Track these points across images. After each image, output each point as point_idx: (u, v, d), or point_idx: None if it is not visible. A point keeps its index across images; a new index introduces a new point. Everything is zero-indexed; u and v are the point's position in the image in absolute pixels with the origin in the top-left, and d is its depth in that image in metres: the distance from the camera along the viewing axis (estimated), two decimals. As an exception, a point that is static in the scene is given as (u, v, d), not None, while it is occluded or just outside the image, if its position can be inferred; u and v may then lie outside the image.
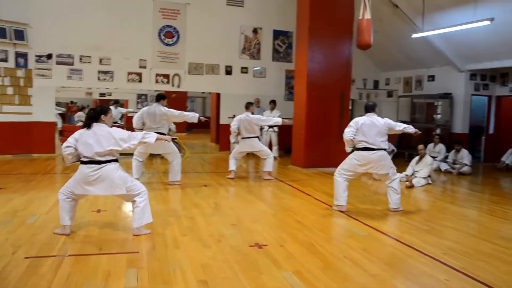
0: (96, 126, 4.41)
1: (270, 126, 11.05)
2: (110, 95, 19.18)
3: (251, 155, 10.08)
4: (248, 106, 8.19)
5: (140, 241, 4.39)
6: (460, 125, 11.20)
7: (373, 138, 5.69)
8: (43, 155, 10.32)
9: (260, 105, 11.80)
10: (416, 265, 3.98)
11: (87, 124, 4.43)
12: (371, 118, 5.79)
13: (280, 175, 8.86)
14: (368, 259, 4.06)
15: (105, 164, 4.35)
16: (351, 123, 5.85)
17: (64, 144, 4.42)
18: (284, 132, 11.54)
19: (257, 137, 8.21)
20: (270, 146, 11.30)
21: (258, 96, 11.85)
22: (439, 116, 12.04)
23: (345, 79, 9.46)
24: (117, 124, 12.47)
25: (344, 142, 5.92)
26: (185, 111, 18.35)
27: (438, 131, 11.62)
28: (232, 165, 8.18)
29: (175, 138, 7.06)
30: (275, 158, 11.14)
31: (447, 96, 11.23)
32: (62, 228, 4.49)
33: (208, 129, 21.32)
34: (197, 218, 5.31)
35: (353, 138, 5.74)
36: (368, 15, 7.53)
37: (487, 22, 7.97)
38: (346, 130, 5.83)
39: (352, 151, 5.94)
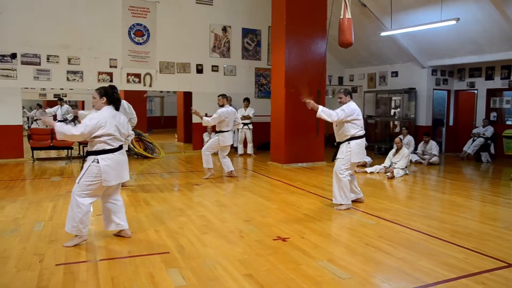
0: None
1: (245, 124, 11.16)
2: (65, 96, 18.38)
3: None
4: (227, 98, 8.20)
5: (164, 241, 4.37)
6: (424, 118, 11.91)
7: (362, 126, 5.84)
8: (11, 160, 9.78)
9: (231, 103, 11.86)
10: (432, 247, 4.28)
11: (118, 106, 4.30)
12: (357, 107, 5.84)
13: (265, 171, 9.00)
14: (388, 245, 4.31)
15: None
16: (346, 108, 5.65)
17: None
18: (257, 129, 11.72)
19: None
20: (245, 143, 11.45)
21: (229, 94, 11.86)
22: (398, 110, 12.68)
23: (320, 76, 9.75)
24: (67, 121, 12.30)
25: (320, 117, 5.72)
26: (145, 110, 18.15)
27: (397, 128, 12.39)
28: (211, 162, 7.94)
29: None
30: (250, 155, 11.34)
31: (411, 90, 11.88)
32: (77, 238, 4.21)
33: (168, 128, 21.19)
34: (207, 216, 5.34)
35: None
36: (349, 15, 7.83)
37: (453, 22, 8.51)
38: (340, 114, 5.61)
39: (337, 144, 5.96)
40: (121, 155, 4.25)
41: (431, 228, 4.93)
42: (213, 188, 7.25)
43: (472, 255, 4.06)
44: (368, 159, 9.61)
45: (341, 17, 7.86)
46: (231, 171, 8.11)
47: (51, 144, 10.05)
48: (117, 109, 4.28)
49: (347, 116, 5.65)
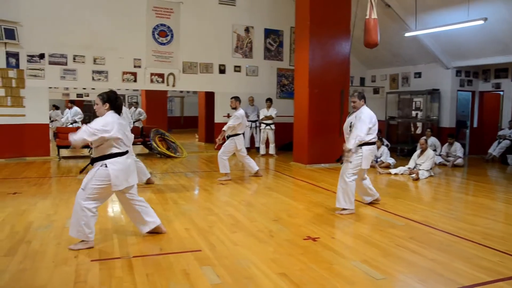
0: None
1: (267, 124, 11.19)
2: (87, 95, 18.68)
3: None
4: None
5: (195, 239, 4.41)
6: (448, 120, 11.75)
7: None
8: (38, 158, 9.99)
9: (254, 103, 11.92)
10: (464, 249, 4.23)
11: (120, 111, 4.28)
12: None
13: (288, 171, 9.01)
14: (420, 246, 4.27)
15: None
16: (364, 118, 5.47)
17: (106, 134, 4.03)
18: (278, 130, 11.71)
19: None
20: (267, 144, 11.47)
21: (251, 94, 11.96)
22: (419, 111, 12.51)
23: (344, 77, 9.72)
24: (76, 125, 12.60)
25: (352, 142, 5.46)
26: (166, 110, 18.38)
27: (419, 129, 12.26)
28: (228, 167, 7.87)
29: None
30: (272, 155, 11.35)
31: (435, 92, 11.74)
32: (84, 243, 4.10)
33: (187, 128, 21.36)
34: (236, 215, 5.37)
35: None
36: (374, 15, 7.79)
37: (481, 22, 8.40)
38: (365, 129, 5.46)
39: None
40: (129, 159, 4.25)
41: (461, 230, 4.87)
42: (239, 187, 7.29)
43: (507, 258, 3.99)
44: (392, 161, 9.54)
45: (367, 17, 7.83)
46: (257, 170, 8.12)
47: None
48: (118, 114, 4.25)
49: (369, 127, 5.49)
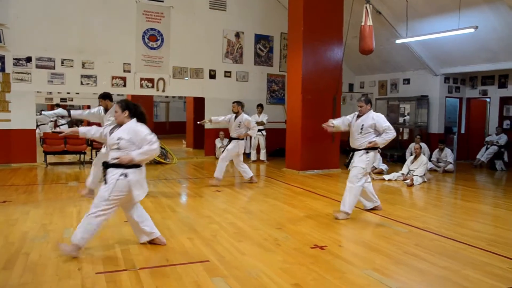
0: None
1: (259, 130, 11.11)
2: (71, 100, 18.31)
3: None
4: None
5: (200, 249, 4.29)
6: (436, 126, 11.89)
7: None
8: (24, 165, 9.68)
9: (244, 109, 11.81)
10: (471, 256, 4.23)
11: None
12: None
13: (282, 178, 8.95)
14: (428, 253, 4.25)
15: None
16: (384, 119, 5.61)
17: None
18: (268, 136, 11.65)
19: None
20: (258, 149, 11.40)
21: (242, 100, 11.82)
22: (407, 117, 12.62)
23: (336, 83, 9.73)
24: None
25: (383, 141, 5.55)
26: (152, 115, 18.16)
27: (405, 135, 12.39)
28: (222, 173, 7.81)
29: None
30: (263, 161, 11.29)
31: (423, 98, 11.88)
32: (76, 247, 3.96)
33: (173, 134, 21.13)
34: (237, 224, 5.27)
35: None
36: (370, 22, 7.85)
37: (472, 30, 8.52)
38: (390, 128, 5.54)
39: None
40: (144, 168, 4.19)
41: (464, 236, 4.88)
42: (236, 194, 7.20)
43: (515, 265, 4.01)
44: (384, 167, 9.58)
45: (362, 23, 7.89)
46: (251, 176, 8.05)
47: (65, 149, 9.98)
48: (142, 122, 4.17)
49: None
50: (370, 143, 5.52)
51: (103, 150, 6.20)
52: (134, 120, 4.10)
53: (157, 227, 4.48)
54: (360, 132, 5.64)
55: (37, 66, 9.78)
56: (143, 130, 4.03)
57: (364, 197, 5.96)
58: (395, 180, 8.74)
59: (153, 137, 4.01)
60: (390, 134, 5.50)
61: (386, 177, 8.85)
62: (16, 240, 4.47)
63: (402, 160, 10.71)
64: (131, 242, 4.46)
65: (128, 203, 4.22)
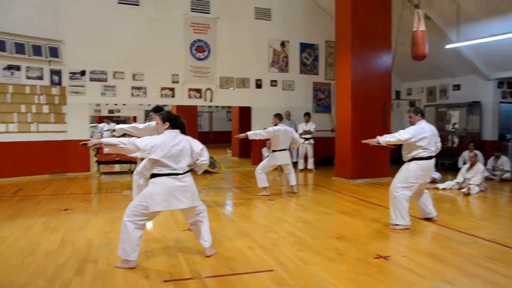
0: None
1: (306, 139, 11.07)
2: (119, 111, 18.89)
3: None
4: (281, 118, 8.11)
5: (262, 258, 4.28)
6: (490, 133, 11.44)
7: (434, 146, 5.60)
8: (79, 174, 10.07)
9: (290, 117, 11.82)
10: (548, 270, 4.01)
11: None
12: (429, 125, 5.63)
13: (333, 187, 8.85)
14: (500, 266, 4.05)
15: (187, 173, 4.18)
16: (410, 130, 5.43)
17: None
18: (315, 144, 11.56)
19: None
20: (305, 158, 11.33)
21: (288, 109, 11.88)
22: (456, 125, 12.16)
23: (386, 90, 9.57)
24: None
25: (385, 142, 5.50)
26: (196, 125, 18.47)
27: (456, 142, 11.96)
28: (265, 181, 7.81)
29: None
30: (310, 170, 11.20)
31: (475, 104, 11.46)
32: (125, 262, 4.02)
33: (216, 143, 21.36)
34: (296, 233, 5.24)
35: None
36: (422, 27, 7.69)
37: (529, 31, 8.19)
38: (403, 136, 5.39)
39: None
40: (174, 181, 4.05)
41: (537, 249, 4.64)
42: (289, 204, 7.17)
43: None
44: (437, 175, 9.28)
45: (414, 29, 7.73)
46: (292, 186, 8.01)
47: (117, 158, 10.28)
48: (183, 132, 4.21)
49: (412, 137, 5.36)
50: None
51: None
52: (168, 131, 4.14)
53: (215, 235, 4.52)
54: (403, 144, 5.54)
55: (91, 79, 10.19)
56: (153, 137, 4.19)
57: (419, 208, 5.86)
58: (450, 189, 8.44)
59: (145, 140, 4.07)
60: (396, 136, 5.41)
61: (440, 186, 8.56)
62: (82, 247, 4.63)
63: (453, 169, 10.36)
64: (192, 250, 4.51)
65: (190, 212, 4.28)
